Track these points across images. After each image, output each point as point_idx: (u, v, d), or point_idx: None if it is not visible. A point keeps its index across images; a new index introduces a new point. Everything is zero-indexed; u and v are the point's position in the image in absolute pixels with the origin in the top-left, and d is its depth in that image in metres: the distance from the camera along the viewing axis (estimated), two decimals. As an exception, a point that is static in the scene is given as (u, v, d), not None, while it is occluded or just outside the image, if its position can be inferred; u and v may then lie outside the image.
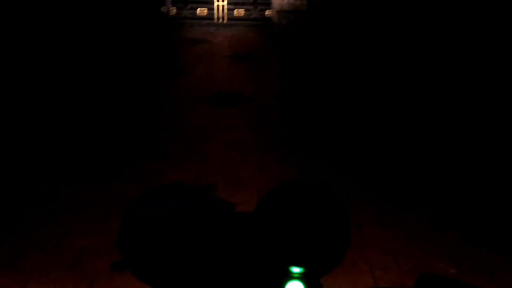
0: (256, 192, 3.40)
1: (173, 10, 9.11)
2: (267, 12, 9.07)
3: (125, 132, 4.50)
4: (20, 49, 6.62)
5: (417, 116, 4.98)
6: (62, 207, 3.21)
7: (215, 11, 9.08)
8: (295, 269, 1.06)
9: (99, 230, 2.96)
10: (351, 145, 4.33)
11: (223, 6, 9.03)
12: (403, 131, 4.63)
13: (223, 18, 9.11)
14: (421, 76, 6.14)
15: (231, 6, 9.05)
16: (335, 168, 3.87)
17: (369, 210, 3.26)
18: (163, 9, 9.10)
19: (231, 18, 9.11)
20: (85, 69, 6.32)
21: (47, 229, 2.95)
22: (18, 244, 2.79)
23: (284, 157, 4.04)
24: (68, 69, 6.25)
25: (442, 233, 3.02)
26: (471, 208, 3.30)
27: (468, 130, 4.64)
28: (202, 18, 9.14)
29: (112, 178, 3.62)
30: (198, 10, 9.08)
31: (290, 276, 1.06)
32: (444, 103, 5.27)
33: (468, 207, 3.31)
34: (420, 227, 3.08)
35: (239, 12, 9.09)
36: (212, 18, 9.12)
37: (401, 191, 3.53)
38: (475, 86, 5.64)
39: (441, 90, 5.65)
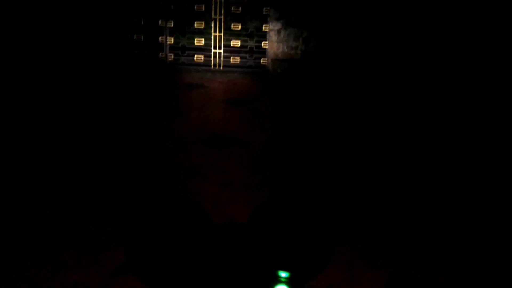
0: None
1: (171, 57, 9.43)
2: (262, 60, 9.41)
3: (122, 171, 4.57)
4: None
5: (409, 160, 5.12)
6: (58, 242, 3.23)
7: (212, 58, 9.41)
8: (282, 274, 1.14)
9: (93, 265, 2.98)
10: (342, 184, 4.42)
11: (219, 53, 9.37)
12: (390, 164, 4.74)
13: (219, 65, 9.43)
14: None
15: (227, 54, 9.39)
16: (327, 208, 3.94)
17: (361, 251, 3.30)
18: (161, 55, 9.42)
19: (227, 65, 9.43)
20: (86, 113, 6.46)
21: (40, 265, 2.97)
22: (9, 280, 2.79)
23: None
24: (69, 110, 6.40)
25: (433, 276, 3.06)
26: (464, 248, 3.36)
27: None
28: (199, 64, 9.46)
29: (108, 216, 3.66)
30: (195, 57, 9.41)
31: (277, 281, 1.15)
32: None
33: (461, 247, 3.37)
34: (410, 269, 3.13)
35: (235, 59, 9.43)
36: (209, 65, 9.44)
37: (394, 233, 3.59)
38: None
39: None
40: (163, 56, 9.43)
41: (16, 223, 3.05)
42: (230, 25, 9.32)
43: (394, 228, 3.67)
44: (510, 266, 3.21)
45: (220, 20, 9.25)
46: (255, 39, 9.38)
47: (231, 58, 9.42)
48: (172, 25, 9.30)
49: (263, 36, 9.34)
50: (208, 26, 9.33)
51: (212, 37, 9.35)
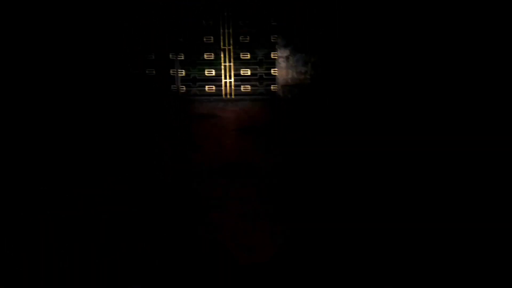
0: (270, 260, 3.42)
1: (183, 88, 9.59)
2: (272, 87, 9.51)
3: (139, 205, 4.60)
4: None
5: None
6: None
7: (223, 87, 9.54)
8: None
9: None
10: (358, 213, 4.37)
11: (230, 82, 9.50)
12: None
13: (230, 94, 9.55)
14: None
15: (238, 83, 9.51)
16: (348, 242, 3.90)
17: None
18: (173, 87, 9.58)
19: (238, 93, 9.55)
20: (104, 146, 6.57)
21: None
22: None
23: (294, 226, 4.08)
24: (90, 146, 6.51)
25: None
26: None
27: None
28: (210, 94, 9.59)
29: (126, 251, 3.66)
30: (207, 87, 9.55)
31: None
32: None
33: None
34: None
35: (245, 87, 9.55)
36: (220, 94, 9.57)
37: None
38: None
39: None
40: (175, 88, 9.59)
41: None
42: (239, 55, 9.48)
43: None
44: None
45: (229, 50, 9.42)
46: (264, 67, 9.51)
47: (242, 86, 9.55)
48: (182, 58, 9.49)
49: (272, 63, 9.47)
50: (217, 57, 9.49)
51: (222, 67, 9.50)
